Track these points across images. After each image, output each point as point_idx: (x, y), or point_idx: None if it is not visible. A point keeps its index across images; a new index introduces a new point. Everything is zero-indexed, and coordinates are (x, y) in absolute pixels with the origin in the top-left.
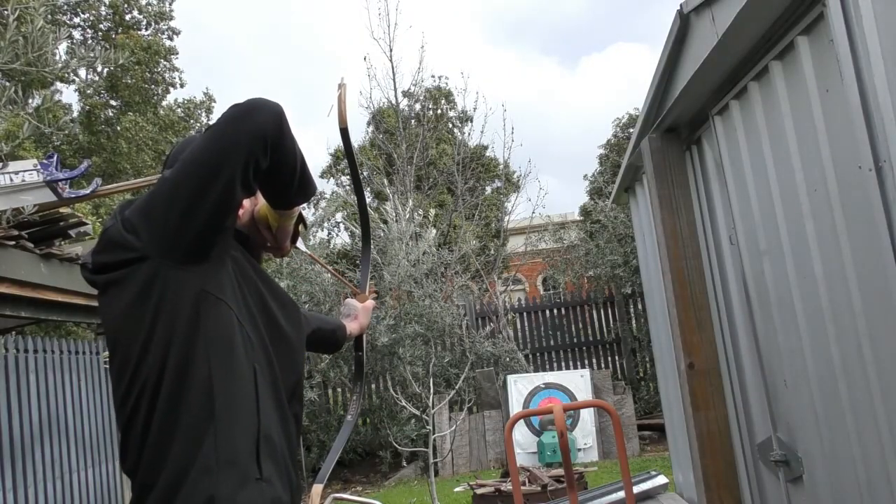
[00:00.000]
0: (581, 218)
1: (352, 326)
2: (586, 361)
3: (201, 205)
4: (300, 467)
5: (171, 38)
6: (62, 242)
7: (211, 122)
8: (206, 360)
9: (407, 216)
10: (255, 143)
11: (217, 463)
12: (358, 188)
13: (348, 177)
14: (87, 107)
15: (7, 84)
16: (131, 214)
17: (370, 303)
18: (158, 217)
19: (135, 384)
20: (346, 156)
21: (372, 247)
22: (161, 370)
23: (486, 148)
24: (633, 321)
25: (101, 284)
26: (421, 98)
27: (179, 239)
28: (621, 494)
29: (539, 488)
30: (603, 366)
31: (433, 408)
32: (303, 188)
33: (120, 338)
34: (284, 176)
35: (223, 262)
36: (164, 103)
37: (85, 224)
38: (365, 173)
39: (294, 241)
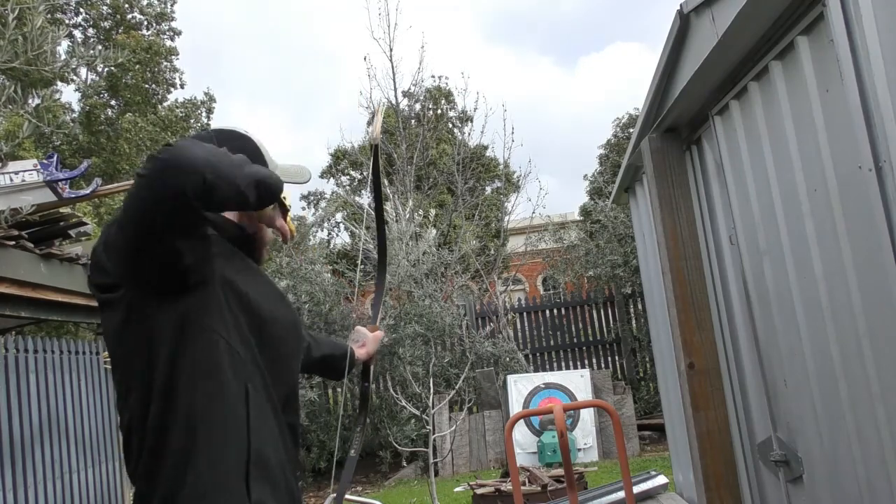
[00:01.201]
0: (581, 218)
1: (359, 353)
2: (586, 361)
3: (146, 254)
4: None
5: (171, 39)
6: (62, 242)
7: (211, 124)
8: (189, 388)
9: (407, 216)
10: (175, 207)
11: (205, 488)
12: (379, 215)
13: (348, 177)
14: (87, 107)
15: (7, 83)
16: (107, 239)
17: (379, 333)
18: (117, 256)
19: (127, 407)
20: (373, 173)
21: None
22: (148, 397)
23: (486, 148)
24: (633, 321)
25: (98, 302)
26: (421, 98)
27: (142, 278)
28: (621, 494)
29: (539, 488)
30: (603, 366)
31: (433, 408)
32: (262, 198)
33: (114, 359)
34: (232, 205)
35: (206, 285)
36: (164, 103)
37: (85, 224)
38: (365, 173)
39: (284, 215)
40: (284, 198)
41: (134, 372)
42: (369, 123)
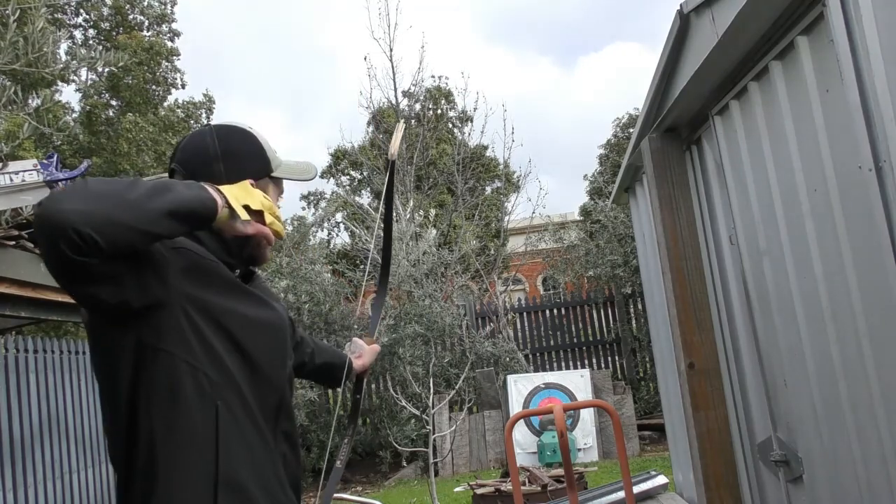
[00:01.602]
0: (581, 218)
1: (356, 364)
2: (586, 361)
3: (72, 295)
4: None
5: (172, 40)
6: None
7: (211, 122)
8: (149, 412)
9: (407, 216)
10: (62, 262)
11: None
12: (387, 236)
13: (348, 177)
14: (88, 107)
15: (7, 84)
16: None
17: (376, 347)
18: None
19: (105, 425)
20: (387, 187)
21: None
22: (117, 418)
23: (486, 148)
24: (633, 321)
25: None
26: (421, 98)
27: (87, 308)
28: (621, 494)
29: (539, 488)
30: (603, 366)
31: (433, 408)
32: (185, 223)
33: (96, 377)
34: (140, 244)
35: (162, 307)
36: (164, 104)
37: None
38: (365, 173)
39: (259, 217)
40: (247, 206)
41: (106, 392)
42: (368, 123)
